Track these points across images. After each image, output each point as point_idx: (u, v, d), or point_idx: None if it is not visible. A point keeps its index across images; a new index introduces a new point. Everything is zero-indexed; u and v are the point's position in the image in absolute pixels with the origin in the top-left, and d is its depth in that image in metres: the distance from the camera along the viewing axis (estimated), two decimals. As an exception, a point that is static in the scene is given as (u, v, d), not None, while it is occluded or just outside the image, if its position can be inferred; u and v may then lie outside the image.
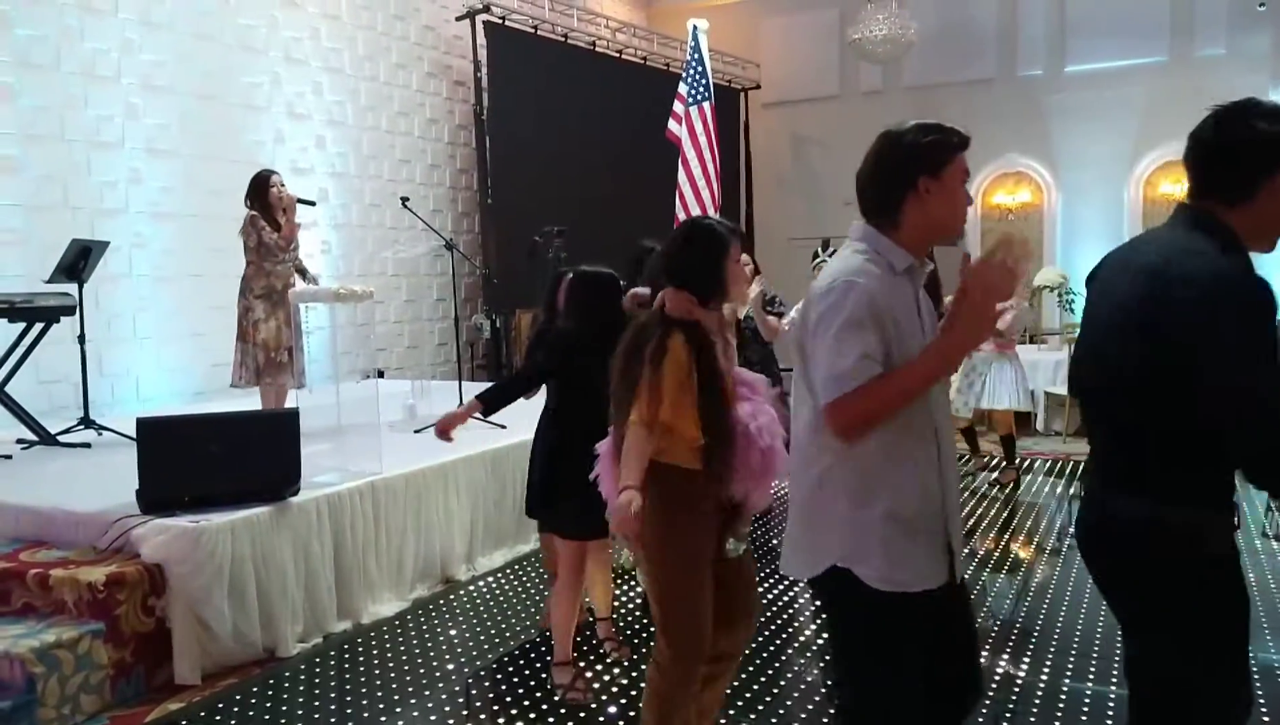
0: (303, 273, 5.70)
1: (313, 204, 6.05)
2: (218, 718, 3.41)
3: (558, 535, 3.51)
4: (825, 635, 3.90)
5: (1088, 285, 2.11)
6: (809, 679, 3.68)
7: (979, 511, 5.97)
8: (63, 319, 5.47)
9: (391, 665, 3.85)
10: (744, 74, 12.17)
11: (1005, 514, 5.96)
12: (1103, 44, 10.63)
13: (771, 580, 4.68)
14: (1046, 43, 11.04)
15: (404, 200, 6.38)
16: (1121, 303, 1.91)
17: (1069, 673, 3.67)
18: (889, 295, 1.96)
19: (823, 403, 1.92)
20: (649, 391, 2.51)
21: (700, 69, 8.49)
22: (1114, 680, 3.52)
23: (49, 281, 5.44)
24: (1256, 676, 3.53)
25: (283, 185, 5.61)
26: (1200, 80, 10.20)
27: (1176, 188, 10.66)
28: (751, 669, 3.70)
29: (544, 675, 3.68)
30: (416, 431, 5.58)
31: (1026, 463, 7.21)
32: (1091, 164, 10.91)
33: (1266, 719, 3.23)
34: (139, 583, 3.60)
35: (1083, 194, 11.07)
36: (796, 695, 3.54)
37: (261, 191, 5.55)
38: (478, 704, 3.53)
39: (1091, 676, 3.60)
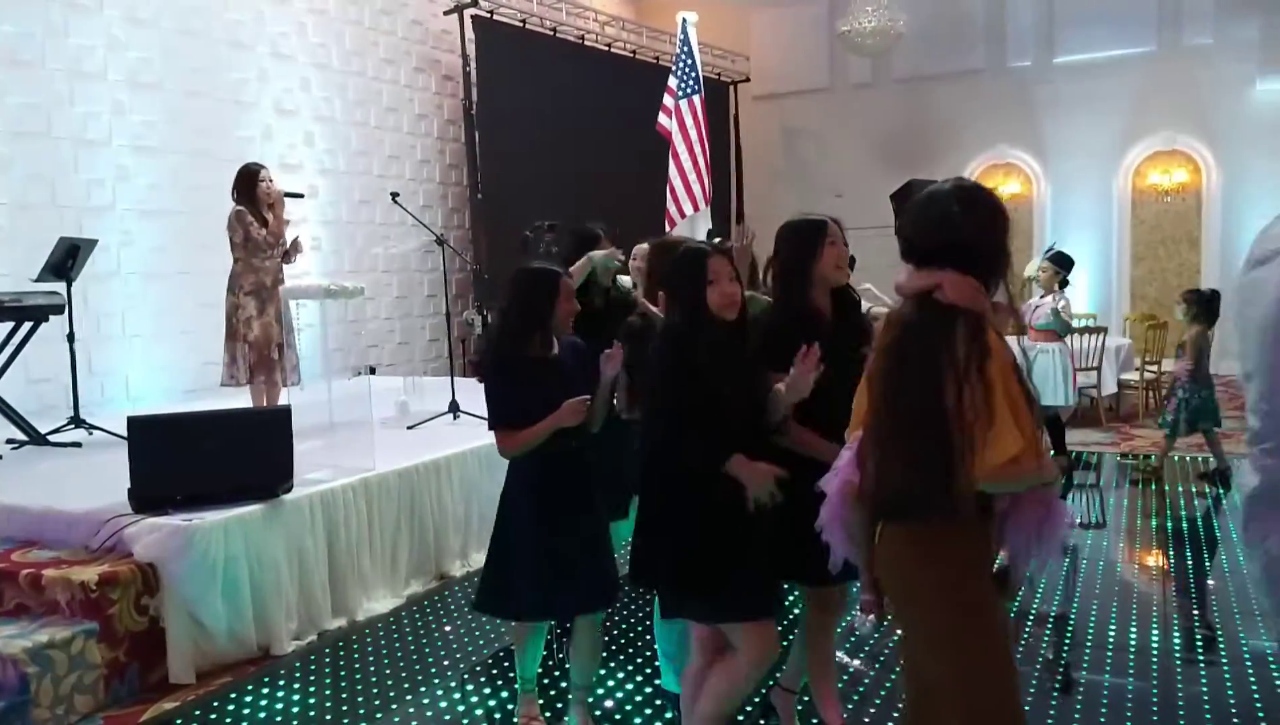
0: (286, 257, 5.62)
1: (301, 196, 6.02)
2: (213, 716, 3.40)
3: (709, 623, 2.63)
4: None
5: None
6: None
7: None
8: (51, 318, 5.43)
9: (386, 662, 3.85)
10: (733, 67, 12.16)
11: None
12: (1091, 34, 10.65)
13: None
14: (1035, 34, 11.06)
15: (394, 196, 6.36)
16: None
17: (1085, 665, 3.69)
18: None
19: None
20: (1000, 408, 1.83)
21: (690, 62, 8.50)
22: (1131, 673, 3.54)
23: (37, 280, 5.40)
24: (1249, 663, 3.55)
25: (271, 180, 5.58)
26: (1189, 70, 10.26)
27: (1165, 178, 10.72)
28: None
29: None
30: (409, 427, 5.58)
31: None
32: (1081, 154, 10.94)
33: (1260, 708, 3.24)
34: (132, 582, 3.59)
35: (1072, 184, 11.10)
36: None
37: (250, 186, 5.49)
38: (473, 700, 3.53)
39: (1109, 669, 3.62)
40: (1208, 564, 4.77)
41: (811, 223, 2.76)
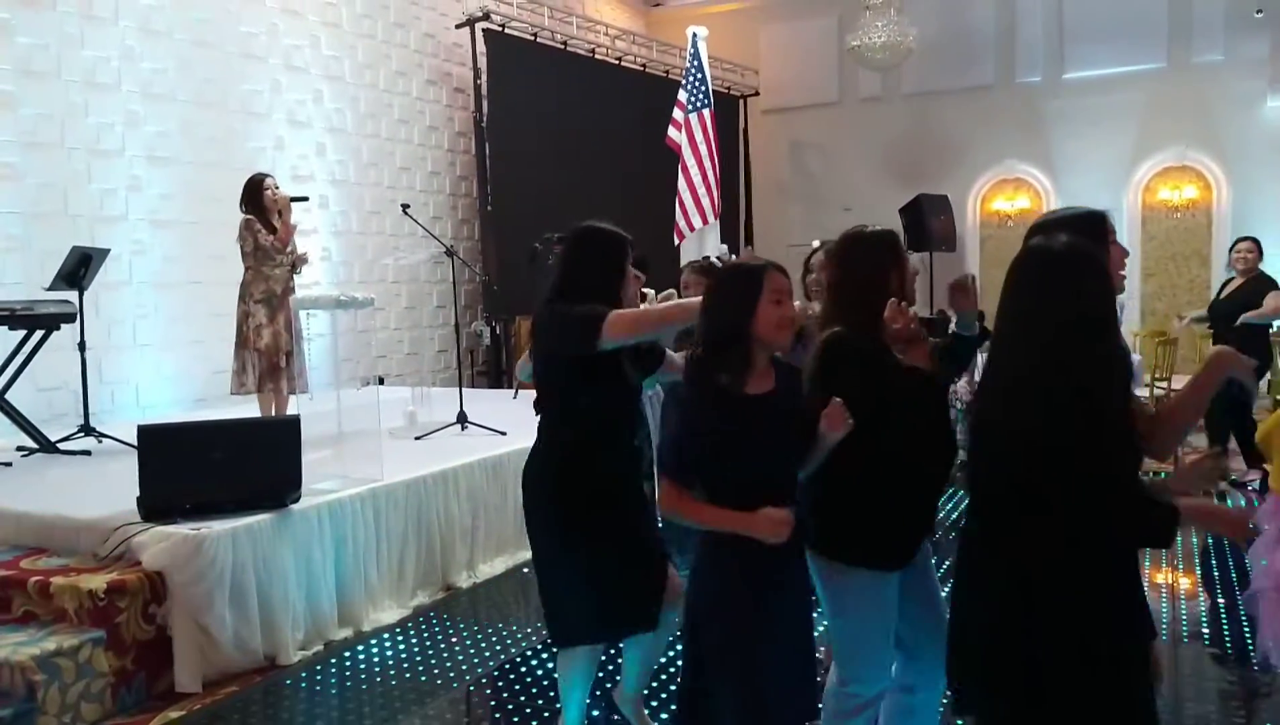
0: (294, 266, 5.70)
1: (306, 200, 6.08)
2: (219, 726, 3.41)
3: None
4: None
5: None
6: None
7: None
8: (63, 326, 5.46)
9: (393, 673, 3.84)
10: (743, 81, 12.19)
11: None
12: (1101, 50, 10.65)
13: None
14: (1045, 49, 11.06)
15: (404, 207, 6.39)
16: None
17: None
18: None
19: None
20: None
21: (700, 76, 8.53)
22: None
23: (49, 289, 5.44)
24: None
25: (276, 187, 5.67)
26: (1198, 86, 10.25)
27: (1175, 194, 10.68)
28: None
29: (545, 682, 3.67)
30: (417, 438, 5.59)
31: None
32: (1090, 170, 10.92)
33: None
34: (140, 590, 3.60)
35: (1081, 200, 10.91)
36: None
37: (256, 194, 5.61)
38: (479, 711, 3.53)
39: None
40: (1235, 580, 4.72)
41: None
